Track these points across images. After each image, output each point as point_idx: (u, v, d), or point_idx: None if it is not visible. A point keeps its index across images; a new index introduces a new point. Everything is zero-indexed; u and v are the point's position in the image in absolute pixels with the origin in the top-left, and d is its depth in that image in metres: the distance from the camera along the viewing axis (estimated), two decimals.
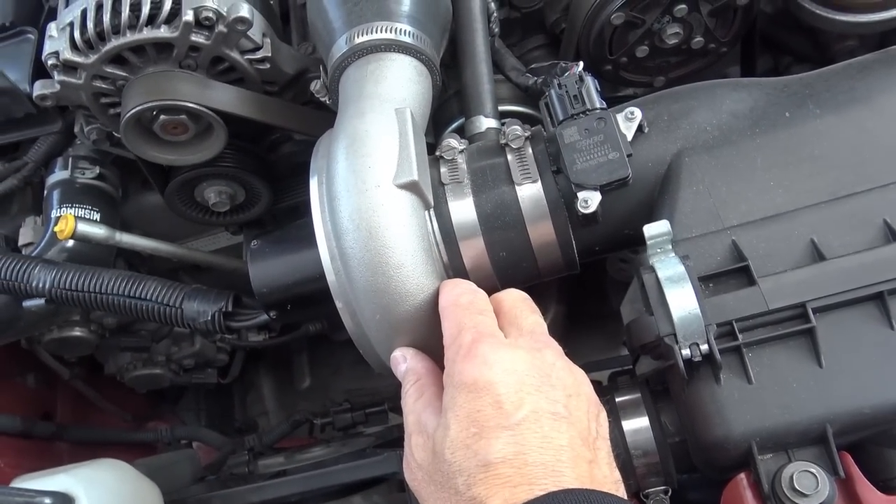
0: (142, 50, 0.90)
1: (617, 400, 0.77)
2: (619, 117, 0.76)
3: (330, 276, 0.75)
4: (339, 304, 0.76)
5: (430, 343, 0.73)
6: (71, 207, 1.04)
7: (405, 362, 0.71)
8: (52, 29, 0.91)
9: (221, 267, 1.11)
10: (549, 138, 0.79)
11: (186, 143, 0.97)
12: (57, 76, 0.92)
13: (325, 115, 1.03)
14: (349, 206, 0.72)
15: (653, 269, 0.68)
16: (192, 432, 1.46)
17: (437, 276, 0.73)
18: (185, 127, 0.94)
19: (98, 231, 0.95)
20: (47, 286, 0.93)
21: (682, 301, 0.65)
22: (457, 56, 0.92)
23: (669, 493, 0.77)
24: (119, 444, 1.44)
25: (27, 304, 0.94)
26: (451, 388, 0.60)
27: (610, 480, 0.58)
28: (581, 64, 0.79)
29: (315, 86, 0.89)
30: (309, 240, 0.80)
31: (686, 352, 0.65)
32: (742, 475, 0.67)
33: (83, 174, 1.06)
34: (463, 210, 0.78)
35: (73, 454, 1.38)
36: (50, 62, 0.90)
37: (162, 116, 0.92)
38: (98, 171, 1.07)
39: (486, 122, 0.87)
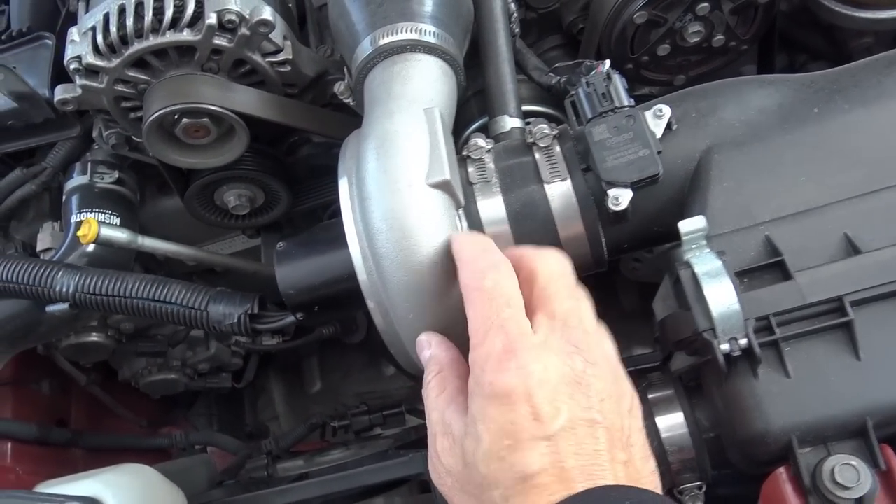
0: (164, 53, 0.90)
1: (650, 396, 0.77)
2: (648, 115, 0.76)
3: (362, 276, 0.75)
4: (370, 304, 0.76)
5: (463, 337, 0.73)
6: (91, 212, 1.03)
7: (429, 348, 0.69)
8: (74, 33, 0.90)
9: (241, 270, 1.11)
10: (576, 136, 0.80)
11: (208, 146, 0.97)
12: (79, 80, 0.92)
13: (344, 118, 1.04)
14: (382, 206, 0.72)
15: (689, 265, 0.68)
16: (208, 437, 1.45)
17: None
18: (206, 130, 0.94)
19: (120, 235, 0.95)
20: (71, 290, 0.93)
21: (721, 296, 0.65)
22: (479, 56, 0.92)
23: (703, 489, 0.77)
24: (134, 450, 1.44)
25: (50, 308, 0.94)
26: (480, 397, 0.58)
27: (645, 475, 0.58)
28: (608, 62, 0.79)
29: (339, 87, 0.89)
30: (337, 241, 0.80)
31: (725, 346, 0.65)
32: (781, 469, 0.67)
33: (102, 179, 1.06)
34: (492, 208, 0.78)
35: (89, 461, 1.38)
36: (72, 66, 0.90)
37: (184, 120, 0.92)
38: (117, 176, 1.06)
39: (510, 122, 0.87)
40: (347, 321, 1.53)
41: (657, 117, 0.76)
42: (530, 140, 0.80)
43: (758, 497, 0.70)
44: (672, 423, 0.76)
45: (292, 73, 0.96)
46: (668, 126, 0.76)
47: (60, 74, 1.00)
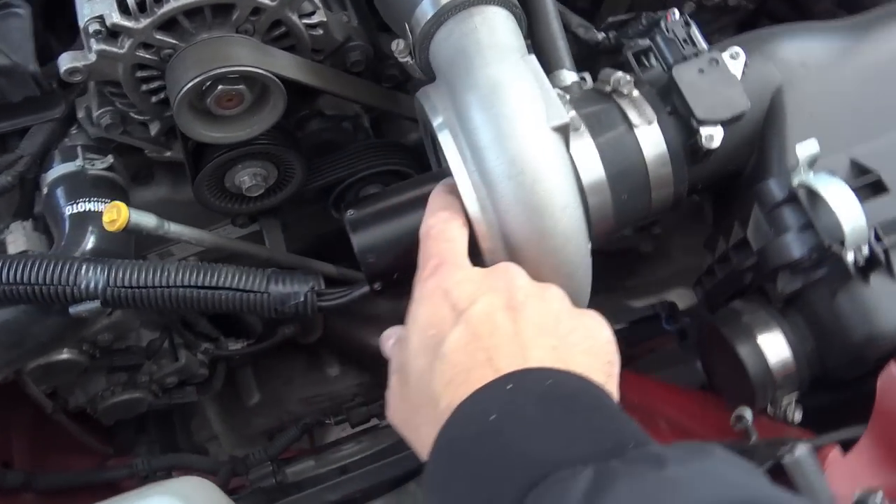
0: (198, 13, 0.82)
1: (744, 320, 0.82)
2: (725, 56, 0.81)
3: (481, 228, 0.73)
4: (488, 258, 0.74)
5: (584, 283, 0.74)
6: (88, 201, 0.91)
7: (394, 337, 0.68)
8: None
9: (255, 256, 1.02)
10: (650, 82, 0.83)
11: (236, 117, 0.89)
12: (95, 45, 0.80)
13: (372, 85, 1.00)
14: (508, 153, 0.70)
15: (807, 186, 0.73)
16: (175, 460, 1.32)
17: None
18: (240, 98, 0.86)
19: (149, 220, 0.84)
20: (101, 285, 0.81)
21: (850, 210, 0.70)
22: (526, 15, 0.92)
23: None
24: (89, 487, 1.27)
25: (76, 309, 0.81)
26: (412, 304, 0.62)
27: (578, 361, 0.56)
28: (677, 11, 0.83)
29: (398, 45, 0.85)
30: (416, 201, 0.77)
31: (850, 257, 0.71)
32: (893, 362, 0.74)
33: (93, 165, 0.93)
34: (586, 153, 0.79)
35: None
36: (92, 28, 0.79)
37: (220, 86, 0.84)
38: (111, 161, 0.94)
39: (569, 76, 0.88)
40: (309, 322, 1.46)
41: (733, 59, 0.81)
42: (608, 88, 0.82)
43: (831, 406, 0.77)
44: (772, 340, 0.81)
45: (323, 37, 0.91)
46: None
47: (45, 48, 0.88)
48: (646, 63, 0.87)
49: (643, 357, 1.31)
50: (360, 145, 1.07)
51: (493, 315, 0.58)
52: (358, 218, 0.81)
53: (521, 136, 0.71)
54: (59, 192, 0.92)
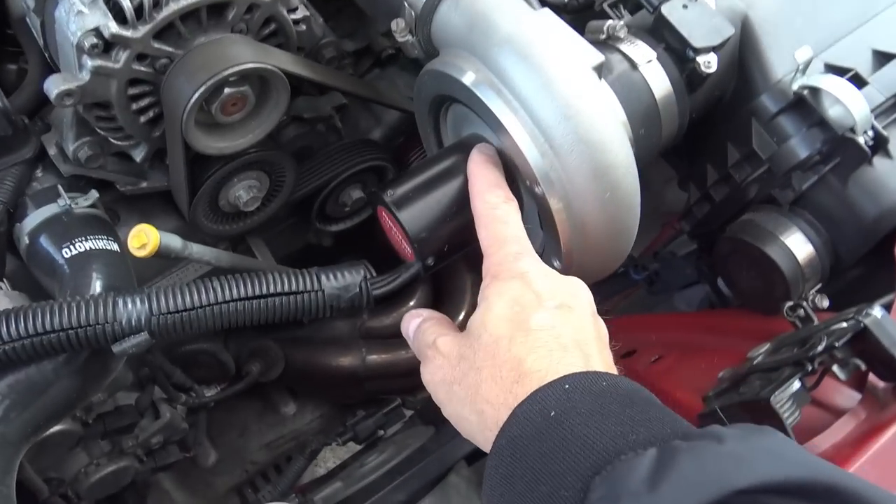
0: (193, 16, 0.78)
1: (761, 225, 0.89)
2: None
3: (544, 175, 0.75)
4: (557, 205, 0.75)
5: (637, 214, 0.77)
6: (86, 240, 0.82)
7: (419, 317, 0.71)
8: (78, 3, 0.73)
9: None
10: (636, 25, 0.89)
11: (237, 125, 0.85)
12: (90, 62, 0.74)
13: (355, 78, 0.99)
14: (562, 96, 0.73)
15: (810, 86, 0.81)
16: None
17: None
18: (244, 101, 0.83)
19: (175, 242, 0.78)
20: (143, 317, 0.74)
21: (854, 99, 0.79)
22: None
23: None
24: None
25: (120, 347, 0.73)
26: (498, 280, 0.64)
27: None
28: None
29: (398, 25, 0.85)
30: (453, 171, 0.78)
31: (862, 139, 0.80)
32: None
33: (77, 203, 0.85)
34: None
35: None
36: (88, 43, 0.72)
37: (226, 90, 0.80)
38: (96, 195, 0.86)
39: None
40: (272, 357, 1.40)
41: None
42: (603, 37, 0.87)
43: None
44: (795, 239, 0.89)
45: (306, 34, 0.89)
46: None
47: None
48: (619, 14, 0.93)
49: (617, 307, 1.37)
50: (335, 147, 1.05)
51: (572, 314, 0.61)
52: (400, 196, 0.80)
53: (571, 79, 0.73)
54: (45, 238, 0.83)
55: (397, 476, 1.09)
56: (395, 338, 1.39)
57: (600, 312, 0.66)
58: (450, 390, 0.61)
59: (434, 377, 0.63)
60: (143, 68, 0.78)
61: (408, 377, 1.36)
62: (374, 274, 0.83)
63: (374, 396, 1.41)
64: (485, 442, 0.56)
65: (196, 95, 0.76)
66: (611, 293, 1.37)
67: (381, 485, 1.09)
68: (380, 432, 1.27)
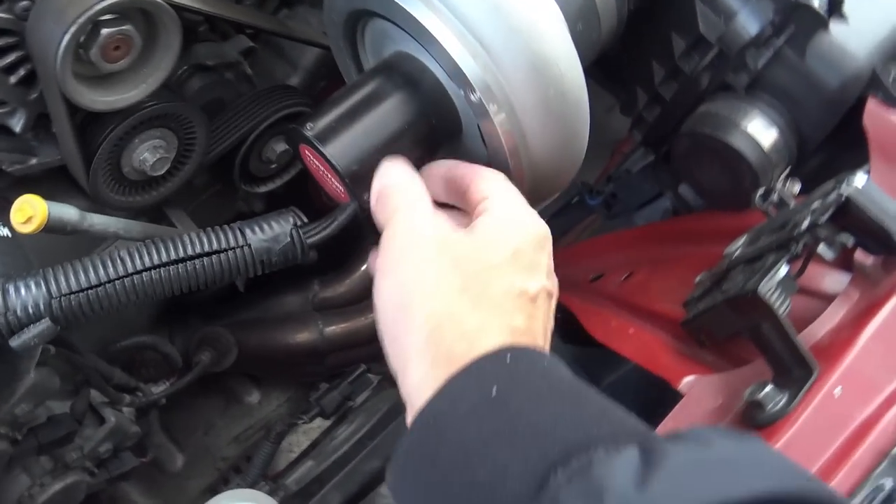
0: None
1: (730, 117, 0.82)
2: None
3: (478, 78, 0.66)
4: (497, 111, 0.67)
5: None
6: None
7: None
8: None
9: None
10: None
11: (125, 73, 0.74)
12: None
13: (256, 10, 0.89)
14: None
15: None
16: None
17: None
18: (128, 44, 0.72)
19: (70, 212, 0.67)
20: (42, 301, 0.63)
21: None
22: None
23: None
24: None
25: (18, 341, 0.63)
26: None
27: None
28: None
29: None
30: (382, 92, 0.70)
31: (815, 2, 0.73)
32: (870, 98, 0.78)
33: None
34: None
35: None
36: None
37: (103, 30, 0.69)
38: None
39: None
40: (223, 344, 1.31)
41: None
42: None
43: None
44: (757, 124, 0.82)
45: None
46: None
47: None
48: None
49: (578, 240, 1.30)
50: (248, 97, 0.95)
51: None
52: (323, 129, 0.71)
53: None
54: None
55: (368, 442, 1.02)
56: (351, 305, 1.33)
57: (558, 248, 0.60)
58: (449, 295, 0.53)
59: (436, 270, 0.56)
60: (2, 14, 0.67)
61: (372, 343, 1.28)
62: (305, 220, 0.74)
63: (341, 370, 1.33)
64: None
65: (67, 38, 0.66)
66: (568, 226, 1.30)
67: (353, 455, 1.01)
68: (349, 403, 1.19)
